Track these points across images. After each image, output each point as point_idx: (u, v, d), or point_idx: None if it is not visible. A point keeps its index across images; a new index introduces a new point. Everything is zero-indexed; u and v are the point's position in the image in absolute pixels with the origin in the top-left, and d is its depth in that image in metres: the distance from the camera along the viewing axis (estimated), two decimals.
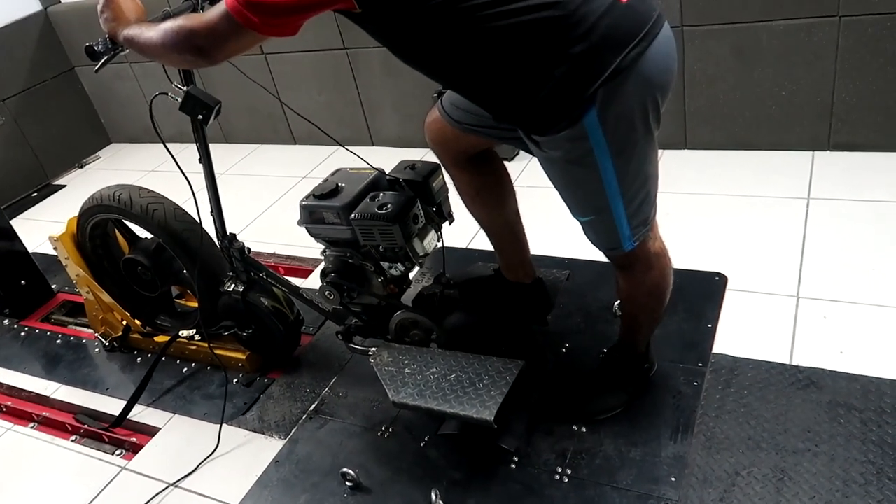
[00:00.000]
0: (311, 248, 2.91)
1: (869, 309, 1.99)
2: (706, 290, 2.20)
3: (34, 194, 4.21)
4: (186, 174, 1.90)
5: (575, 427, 1.84)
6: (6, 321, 2.93)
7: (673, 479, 1.66)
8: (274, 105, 3.93)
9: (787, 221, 2.41)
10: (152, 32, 1.31)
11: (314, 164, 3.72)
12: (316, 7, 1.18)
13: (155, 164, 4.16)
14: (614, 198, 1.40)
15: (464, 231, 2.51)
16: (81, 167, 4.47)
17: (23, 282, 2.91)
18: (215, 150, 4.07)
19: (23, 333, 2.84)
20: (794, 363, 1.89)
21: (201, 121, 1.74)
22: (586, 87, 1.23)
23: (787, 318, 2.04)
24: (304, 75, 3.72)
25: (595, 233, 1.52)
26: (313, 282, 2.70)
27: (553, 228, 2.23)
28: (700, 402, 1.84)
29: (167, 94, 1.76)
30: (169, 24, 1.27)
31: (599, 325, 2.16)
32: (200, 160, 1.92)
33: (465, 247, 2.63)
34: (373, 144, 3.78)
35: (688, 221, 2.53)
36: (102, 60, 1.53)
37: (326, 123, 3.87)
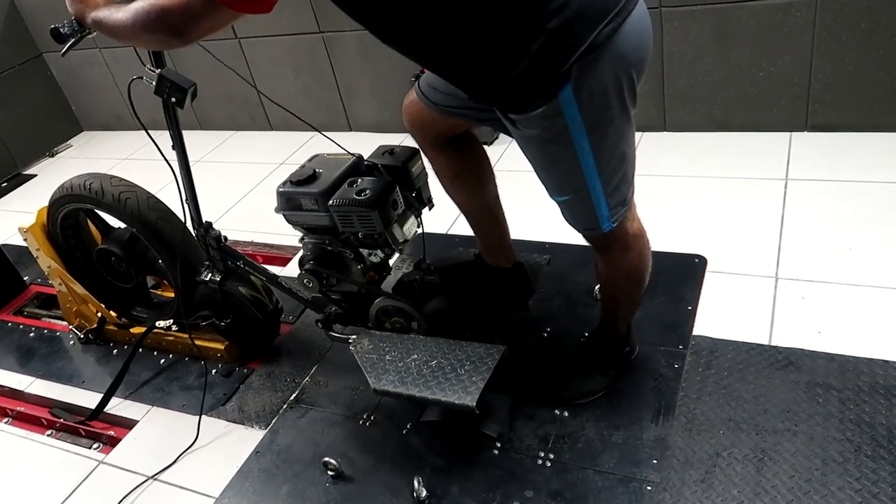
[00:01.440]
0: (289, 236, 2.87)
1: (846, 289, 2.01)
2: (686, 272, 2.21)
3: (3, 184, 4.11)
4: (168, 160, 1.85)
5: (557, 411, 1.84)
6: None
7: (654, 461, 1.67)
8: (250, 91, 3.87)
9: (766, 203, 2.42)
10: (122, 13, 1.26)
11: (291, 151, 3.67)
12: None
13: (128, 151, 4.08)
14: (591, 177, 1.39)
15: (444, 217, 2.49)
16: (52, 156, 4.37)
17: None
18: (190, 136, 3.98)
19: None
20: (774, 344, 1.90)
21: (175, 104, 1.70)
22: (561, 63, 1.21)
23: (767, 298, 2.05)
24: (280, 60, 3.65)
25: (572, 213, 1.51)
26: (292, 270, 2.66)
27: (533, 212, 2.22)
28: (681, 385, 1.84)
29: (142, 78, 1.72)
30: (140, 4, 1.22)
31: (580, 308, 2.16)
32: (174, 146, 1.87)
33: (445, 232, 2.61)
34: (351, 130, 3.74)
35: (667, 204, 2.54)
36: (69, 43, 1.49)
37: (303, 109, 3.85)
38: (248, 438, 1.99)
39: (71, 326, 2.55)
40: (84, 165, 3.85)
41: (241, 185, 3.44)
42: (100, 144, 4.38)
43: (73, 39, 1.48)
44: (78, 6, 1.40)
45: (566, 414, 1.83)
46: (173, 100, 1.71)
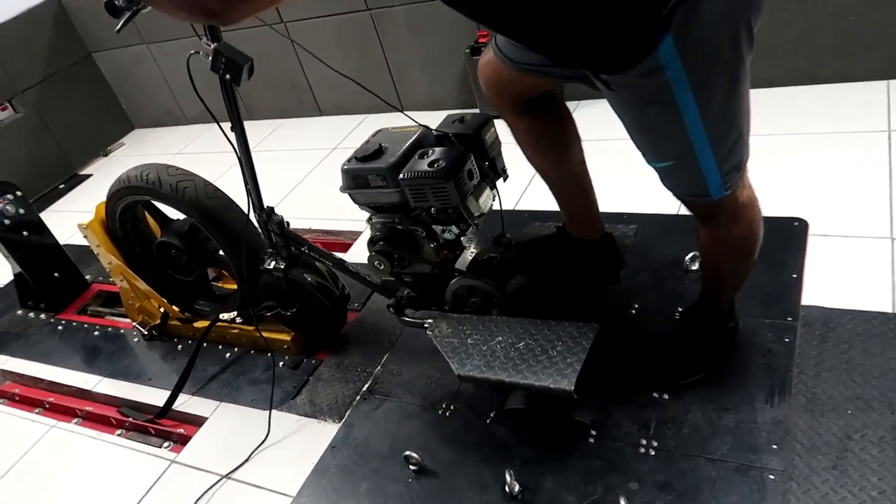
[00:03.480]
0: (348, 221, 2.78)
1: None
2: (785, 237, 2.00)
3: (61, 186, 4.12)
4: (230, 139, 1.74)
5: (655, 394, 1.68)
6: (42, 315, 2.84)
7: (774, 446, 1.49)
8: (297, 76, 3.78)
9: (869, 157, 2.19)
10: None
11: (343, 135, 3.57)
12: None
13: (180, 146, 4.04)
14: (699, 139, 1.21)
15: (512, 190, 2.33)
16: (106, 155, 4.37)
17: (56, 274, 2.82)
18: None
19: (60, 327, 2.75)
20: None
21: (230, 81, 1.58)
22: (659, 8, 1.03)
23: (884, 262, 1.83)
24: (327, 42, 3.54)
25: (676, 178, 1.33)
26: (353, 255, 2.55)
27: (606, 181, 2.04)
28: (795, 361, 1.66)
29: (199, 52, 1.61)
30: None
31: (668, 282, 1.98)
32: (233, 127, 1.76)
33: (513, 208, 2.45)
34: (403, 110, 3.59)
35: (756, 165, 2.29)
36: (124, 18, 1.39)
37: (354, 91, 3.73)
38: (321, 433, 1.89)
39: (134, 323, 2.50)
40: (137, 162, 3.81)
41: (294, 173, 3.35)
42: (152, 141, 4.36)
43: (129, 13, 1.38)
44: None
45: (666, 397, 1.67)
46: (228, 76, 1.59)
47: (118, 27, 1.43)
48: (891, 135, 2.26)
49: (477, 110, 2.44)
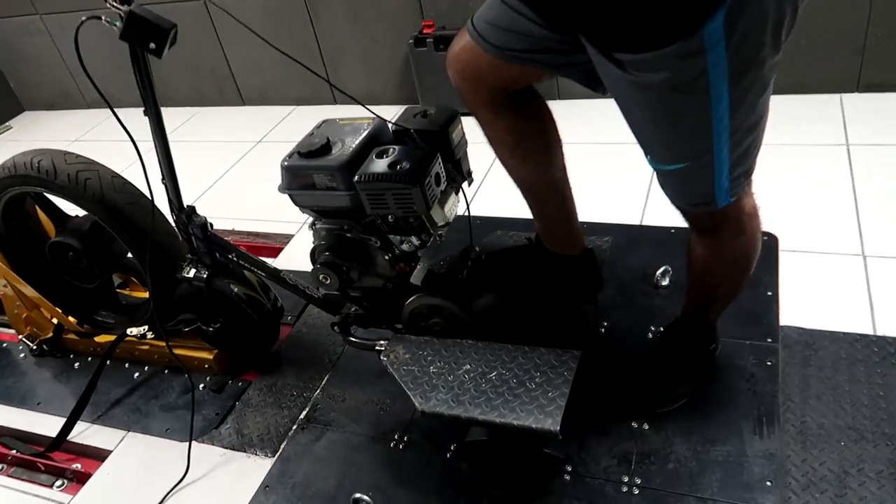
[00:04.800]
0: (278, 223, 2.50)
1: None
2: None
3: None
4: (127, 129, 1.45)
5: (635, 424, 1.52)
6: None
7: (768, 483, 1.36)
8: (217, 61, 3.44)
9: (830, 171, 2.14)
10: None
11: (269, 127, 3.26)
12: None
13: (79, 132, 3.60)
14: (720, 138, 1.05)
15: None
16: None
17: None
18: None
19: None
20: (880, 333, 1.61)
21: (153, 52, 1.29)
22: None
23: (858, 280, 1.76)
24: (253, 24, 3.21)
25: (681, 184, 1.17)
26: (283, 262, 2.28)
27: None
28: (779, 386, 1.54)
29: (101, 17, 1.30)
30: None
31: (638, 298, 1.84)
32: (146, 111, 1.47)
33: (484, 214, 2.24)
34: (335, 103, 3.33)
35: None
36: None
37: (282, 80, 3.43)
38: (252, 469, 1.62)
39: (21, 336, 2.12)
40: (23, 148, 3.39)
41: (213, 167, 3.02)
42: (45, 125, 3.87)
43: None
44: None
45: (646, 427, 1.51)
46: (152, 46, 1.29)
47: None
48: (849, 149, 2.22)
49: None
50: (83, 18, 1.29)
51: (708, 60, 0.94)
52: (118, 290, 2.14)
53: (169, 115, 3.53)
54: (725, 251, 1.30)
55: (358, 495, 1.45)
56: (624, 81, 1.03)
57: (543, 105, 1.38)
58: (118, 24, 1.28)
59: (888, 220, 1.92)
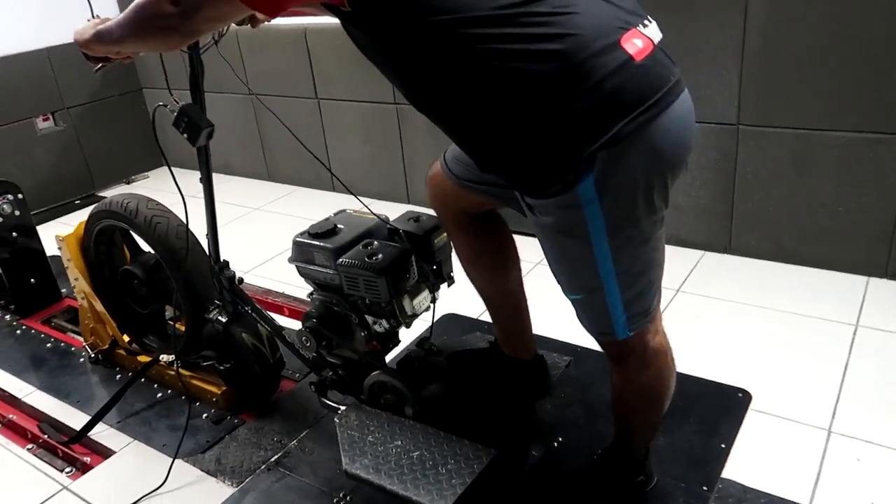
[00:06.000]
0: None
1: None
2: (726, 405, 1.97)
3: (76, 202, 4.28)
4: (182, 194, 1.83)
5: None
6: (7, 316, 2.90)
7: None
8: (319, 150, 3.94)
9: (830, 347, 2.17)
10: (120, 17, 1.23)
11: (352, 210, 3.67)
12: None
13: (197, 190, 4.19)
14: (608, 278, 1.23)
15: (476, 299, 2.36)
16: (129, 183, 4.55)
17: (32, 280, 2.89)
18: (258, 184, 4.06)
19: (19, 331, 2.79)
20: None
21: (187, 139, 1.68)
22: (583, 148, 1.08)
23: (815, 453, 1.79)
24: (352, 124, 3.72)
25: (585, 314, 1.35)
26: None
27: (565, 311, 2.07)
28: None
29: (166, 106, 1.72)
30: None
31: (600, 422, 1.95)
32: (202, 179, 1.85)
33: (476, 317, 2.47)
34: (409, 202, 3.71)
35: (717, 328, 2.32)
36: (98, 66, 1.49)
37: (367, 174, 3.88)
38: (216, 493, 1.85)
39: (85, 343, 2.52)
40: (153, 196, 3.99)
41: (290, 237, 3.43)
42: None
43: (100, 63, 1.48)
44: (77, 36, 1.37)
45: None
46: (185, 135, 1.70)
47: (95, 69, 1.53)
48: (857, 330, 2.25)
49: None
50: (157, 104, 1.71)
51: (585, 213, 1.14)
52: (169, 321, 2.51)
53: (274, 187, 4.14)
54: (633, 381, 1.43)
55: None
56: (532, 221, 1.26)
57: (503, 227, 1.62)
58: (174, 113, 1.69)
59: (867, 402, 1.93)
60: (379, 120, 3.59)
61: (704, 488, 1.70)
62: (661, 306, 2.42)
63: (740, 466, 1.76)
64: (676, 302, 2.49)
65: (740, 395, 2.01)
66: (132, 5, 1.18)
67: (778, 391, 2.01)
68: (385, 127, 3.59)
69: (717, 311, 2.42)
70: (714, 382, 2.06)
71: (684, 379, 2.05)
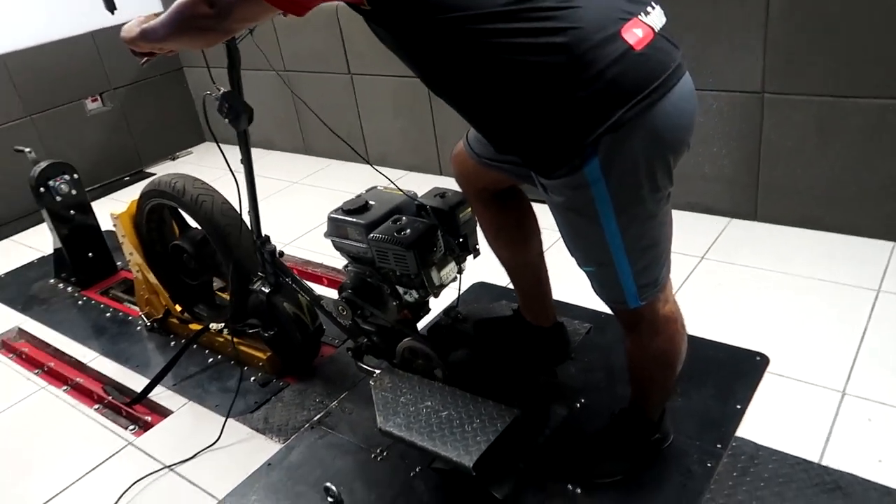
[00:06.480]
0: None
1: None
2: (743, 368, 2.06)
3: (126, 178, 4.50)
4: (233, 171, 1.97)
5: (570, 486, 1.75)
6: (69, 288, 3.12)
7: None
8: (353, 125, 4.05)
9: (850, 311, 2.22)
10: (162, 17, 1.34)
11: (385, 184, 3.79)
12: None
13: (239, 166, 4.36)
14: (618, 252, 1.33)
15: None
16: (174, 159, 4.75)
17: (90, 254, 3.10)
18: (295, 158, 4.20)
19: (80, 302, 3.01)
20: (824, 463, 1.72)
21: (229, 122, 1.81)
22: (587, 133, 1.16)
23: (827, 413, 1.86)
24: (385, 98, 3.81)
25: (598, 284, 1.45)
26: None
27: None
28: (709, 486, 1.70)
29: (211, 94, 1.85)
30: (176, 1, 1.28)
31: (620, 386, 2.05)
32: (242, 160, 1.99)
33: (504, 285, 2.58)
34: (440, 174, 3.81)
35: (739, 295, 2.39)
36: (144, 59, 1.62)
37: (400, 148, 3.98)
38: (264, 449, 2.02)
39: (141, 313, 2.72)
40: (196, 171, 4.13)
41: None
42: (217, 155, 4.68)
43: (146, 57, 1.61)
44: (125, 34, 1.48)
45: (579, 491, 1.73)
46: (227, 120, 1.82)
47: (142, 62, 1.66)
48: (879, 295, 2.29)
49: None
50: (205, 93, 1.84)
51: (593, 193, 1.23)
52: (217, 293, 2.68)
53: (311, 161, 4.31)
54: (646, 347, 1.53)
55: (328, 484, 1.80)
56: (546, 199, 1.35)
57: (523, 202, 1.72)
58: (217, 100, 1.82)
59: (883, 365, 1.99)
60: (410, 94, 3.68)
61: (718, 446, 1.80)
62: (685, 273, 2.51)
63: (755, 426, 1.85)
64: (700, 269, 2.56)
65: (758, 358, 2.09)
66: (173, 6, 1.30)
67: (796, 355, 2.08)
68: (416, 101, 3.67)
69: (740, 278, 2.48)
70: (733, 347, 2.14)
71: (704, 344, 2.15)
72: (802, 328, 2.19)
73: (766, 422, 1.87)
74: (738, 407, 1.92)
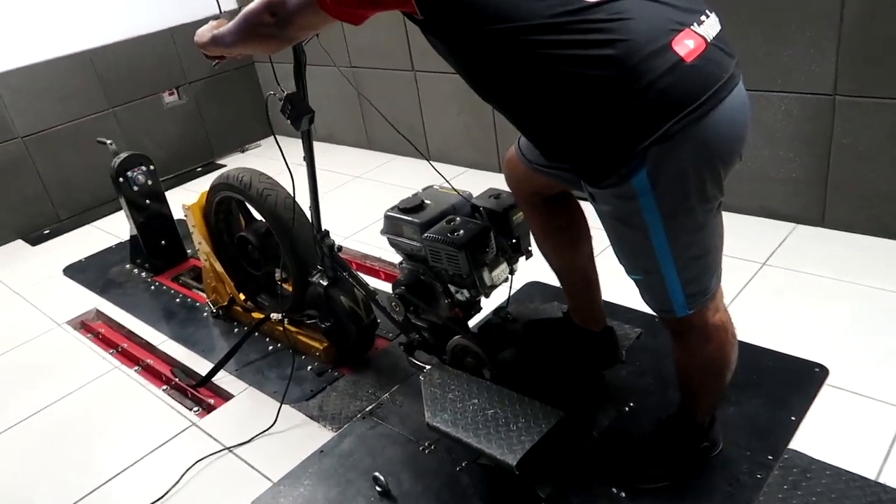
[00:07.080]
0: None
1: None
2: (801, 379, 2.01)
3: (198, 169, 4.70)
4: (289, 167, 2.05)
5: (615, 490, 1.75)
6: (143, 274, 3.30)
7: None
8: (415, 120, 4.11)
9: None
10: (231, 24, 1.42)
11: (440, 183, 3.83)
12: (381, 4, 1.22)
13: (296, 161, 4.50)
14: (665, 262, 1.32)
15: None
16: (243, 151, 4.93)
17: (163, 242, 3.26)
18: (358, 153, 4.29)
19: (153, 287, 3.17)
20: (881, 481, 1.67)
21: (290, 123, 1.88)
22: (635, 144, 1.16)
23: (888, 429, 1.80)
24: (447, 95, 3.85)
25: (646, 292, 1.45)
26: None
27: None
28: (758, 497, 1.68)
29: (275, 94, 1.93)
30: (246, 7, 1.35)
31: (670, 390, 2.03)
32: (305, 157, 2.06)
33: (557, 285, 2.57)
34: (499, 171, 3.82)
35: (801, 303, 2.32)
36: (215, 62, 1.70)
37: (461, 144, 4.02)
38: (318, 436, 2.10)
39: (208, 300, 2.85)
40: (265, 163, 4.28)
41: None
42: (284, 148, 4.85)
43: (216, 60, 1.69)
44: (198, 39, 1.57)
45: (623, 495, 1.74)
46: (289, 121, 1.89)
47: (214, 64, 1.74)
48: None
49: None
50: (268, 94, 1.92)
51: (640, 203, 1.24)
52: (279, 283, 2.78)
53: (372, 156, 4.41)
54: (695, 355, 1.52)
55: (377, 474, 1.86)
56: (593, 205, 1.36)
57: (575, 207, 1.73)
58: (281, 101, 1.89)
59: None
60: (472, 92, 3.69)
61: (770, 457, 1.77)
62: (745, 279, 2.45)
63: (810, 439, 1.81)
64: (761, 275, 2.50)
65: (816, 369, 2.03)
66: (240, 15, 1.38)
67: (857, 367, 2.01)
68: (477, 98, 3.67)
69: (803, 286, 2.41)
70: (790, 357, 2.09)
71: (760, 352, 2.11)
72: (865, 340, 2.12)
73: (822, 435, 1.82)
74: (793, 418, 1.88)
